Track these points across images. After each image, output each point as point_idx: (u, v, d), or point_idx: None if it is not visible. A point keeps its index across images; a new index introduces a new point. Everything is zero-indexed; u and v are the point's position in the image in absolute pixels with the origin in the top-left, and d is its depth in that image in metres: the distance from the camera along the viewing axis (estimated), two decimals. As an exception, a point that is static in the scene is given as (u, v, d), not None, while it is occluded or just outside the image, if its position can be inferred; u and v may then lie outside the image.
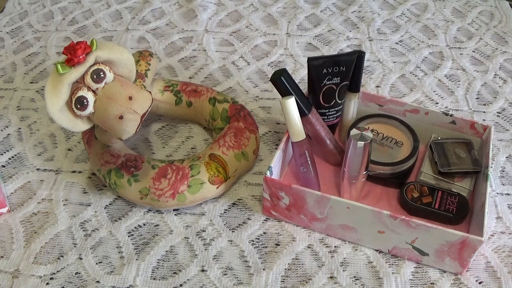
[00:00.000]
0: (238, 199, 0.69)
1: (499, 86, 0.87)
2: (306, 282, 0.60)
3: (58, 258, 0.63)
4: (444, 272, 0.61)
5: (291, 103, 0.62)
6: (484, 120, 0.80)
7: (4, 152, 0.76)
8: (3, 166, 0.74)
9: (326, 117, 0.71)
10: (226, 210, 0.68)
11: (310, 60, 0.66)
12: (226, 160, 0.66)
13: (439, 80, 0.88)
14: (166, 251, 0.63)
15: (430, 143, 0.70)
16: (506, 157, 0.75)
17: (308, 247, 0.64)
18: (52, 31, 0.99)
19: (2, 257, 0.63)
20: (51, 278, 0.61)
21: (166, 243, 0.64)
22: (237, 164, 0.68)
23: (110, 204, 0.69)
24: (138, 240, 0.64)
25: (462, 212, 0.64)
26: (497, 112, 0.82)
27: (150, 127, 0.79)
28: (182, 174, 0.64)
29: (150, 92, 0.59)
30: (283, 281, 0.60)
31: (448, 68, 0.90)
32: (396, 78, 0.88)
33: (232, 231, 0.65)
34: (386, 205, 0.67)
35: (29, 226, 0.66)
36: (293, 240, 0.64)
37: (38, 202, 0.69)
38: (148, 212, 0.67)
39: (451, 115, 0.69)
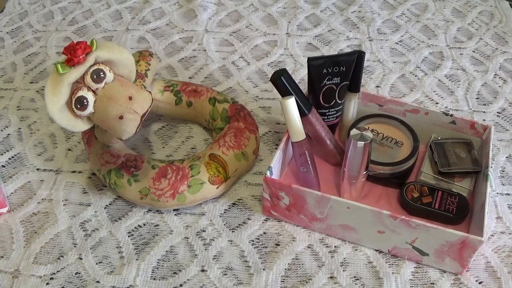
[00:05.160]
0: (238, 199, 0.69)
1: (499, 86, 0.87)
2: (306, 282, 0.60)
3: (58, 258, 0.63)
4: (444, 272, 0.61)
5: (291, 103, 0.62)
6: (484, 120, 0.80)
7: (4, 152, 0.76)
8: (3, 166, 0.74)
9: (326, 117, 0.71)
10: (226, 210, 0.68)
11: (310, 60, 0.66)
12: (226, 160, 0.66)
13: (439, 80, 0.88)
14: (166, 251, 0.63)
15: (430, 143, 0.70)
16: (506, 157, 0.75)
17: (308, 247, 0.64)
18: (52, 31, 0.99)
19: (2, 257, 0.63)
20: (51, 278, 0.61)
21: (166, 243, 0.64)
22: (237, 164, 0.68)
23: (110, 204, 0.69)
24: (138, 240, 0.64)
25: (462, 212, 0.64)
26: (497, 112, 0.82)
27: (150, 127, 0.79)
28: (182, 174, 0.64)
29: (150, 92, 0.59)
30: (283, 281, 0.60)
31: (448, 68, 0.90)
32: (396, 78, 0.88)
33: (232, 231, 0.65)
34: (386, 205, 0.67)
35: (29, 226, 0.66)
36: (293, 240, 0.64)
37: (38, 202, 0.69)
38: (148, 212, 0.67)
39: (451, 115, 0.69)
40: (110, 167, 0.66)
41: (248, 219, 0.67)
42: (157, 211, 0.67)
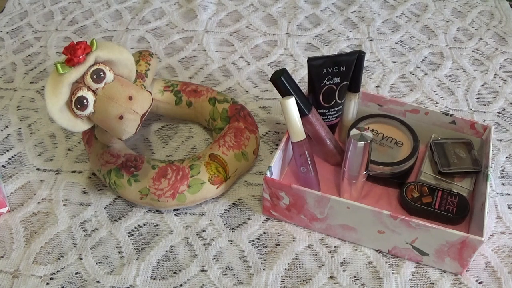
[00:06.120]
0: (238, 199, 0.69)
1: (499, 86, 0.87)
2: (306, 282, 0.60)
3: (58, 258, 0.63)
4: (444, 272, 0.61)
5: (291, 103, 0.62)
6: (484, 120, 0.80)
7: (4, 152, 0.76)
8: (3, 166, 0.74)
9: (326, 117, 0.71)
10: (226, 210, 0.68)
11: (310, 60, 0.66)
12: (226, 160, 0.66)
13: (439, 80, 0.88)
14: (166, 251, 0.63)
15: (430, 143, 0.70)
16: (506, 157, 0.75)
17: (308, 247, 0.64)
18: (52, 31, 0.99)
19: (2, 257, 0.63)
20: (51, 278, 0.61)
21: (166, 243, 0.64)
22: (237, 164, 0.68)
23: (110, 204, 0.69)
24: (138, 240, 0.64)
25: (462, 212, 0.64)
26: (497, 112, 0.82)
27: (150, 127, 0.79)
28: (182, 174, 0.64)
29: (150, 92, 0.59)
30: (283, 281, 0.60)
31: (448, 68, 0.90)
32: (396, 78, 0.88)
33: (232, 231, 0.65)
34: (386, 205, 0.67)
35: (29, 226, 0.66)
36: (293, 240, 0.64)
37: (38, 202, 0.69)
38: (148, 212, 0.67)
39: (451, 115, 0.69)
40: (110, 167, 0.66)
41: (248, 219, 0.67)
42: (157, 211, 0.67)
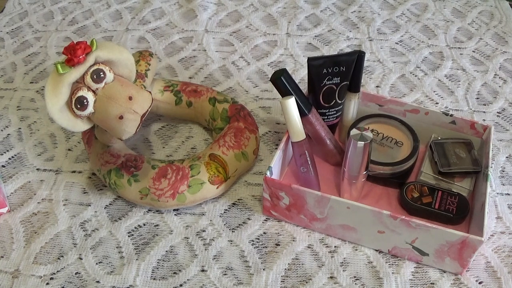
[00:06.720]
0: (238, 199, 0.69)
1: (499, 86, 0.87)
2: (306, 282, 0.60)
3: (58, 258, 0.63)
4: (444, 272, 0.61)
5: (291, 103, 0.62)
6: (484, 120, 0.80)
7: (4, 152, 0.76)
8: (3, 166, 0.74)
9: (326, 117, 0.71)
10: (226, 210, 0.68)
11: (310, 60, 0.66)
12: (226, 160, 0.67)
13: (439, 80, 0.88)
14: (166, 251, 0.63)
15: (430, 143, 0.70)
16: (506, 157, 0.75)
17: (308, 247, 0.64)
18: (52, 31, 0.99)
19: (2, 257, 0.63)
20: (51, 278, 0.61)
21: (166, 243, 0.64)
22: (237, 164, 0.68)
23: (110, 204, 0.69)
24: (138, 240, 0.64)
25: (462, 212, 0.64)
26: (497, 112, 0.82)
27: (150, 127, 0.79)
28: (182, 174, 0.64)
29: (150, 92, 0.59)
30: (283, 281, 0.60)
31: (448, 68, 0.90)
32: (396, 78, 0.88)
33: (232, 231, 0.65)
34: (386, 205, 0.67)
35: (29, 226, 0.66)
36: (293, 240, 0.64)
37: (38, 202, 0.69)
38: (148, 212, 0.67)
39: (451, 115, 0.69)
40: (110, 167, 0.66)
41: (248, 219, 0.67)
42: (157, 211, 0.67)
